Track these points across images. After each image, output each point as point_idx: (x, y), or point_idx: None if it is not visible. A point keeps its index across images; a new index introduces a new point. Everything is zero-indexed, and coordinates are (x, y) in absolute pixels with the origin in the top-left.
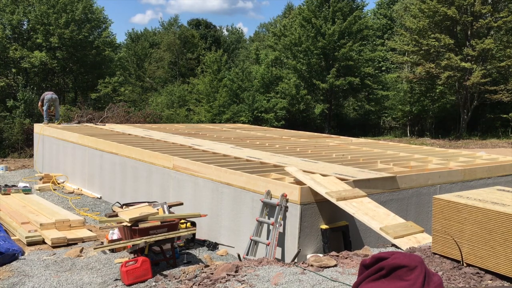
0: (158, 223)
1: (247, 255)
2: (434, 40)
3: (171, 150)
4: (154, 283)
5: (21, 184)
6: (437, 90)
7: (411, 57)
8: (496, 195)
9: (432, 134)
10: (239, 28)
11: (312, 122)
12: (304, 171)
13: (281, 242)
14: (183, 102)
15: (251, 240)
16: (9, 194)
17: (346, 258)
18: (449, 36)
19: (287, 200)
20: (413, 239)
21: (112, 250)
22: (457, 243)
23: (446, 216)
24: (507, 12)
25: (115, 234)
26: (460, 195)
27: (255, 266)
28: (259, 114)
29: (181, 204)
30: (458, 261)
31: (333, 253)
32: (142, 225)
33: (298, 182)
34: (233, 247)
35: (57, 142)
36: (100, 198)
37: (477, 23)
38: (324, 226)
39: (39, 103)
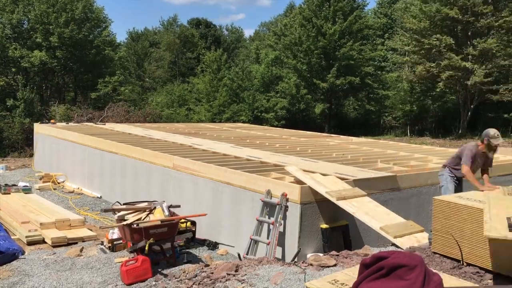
0: (158, 222)
1: (247, 254)
2: (435, 39)
3: (171, 149)
4: (154, 283)
5: (21, 184)
6: (438, 90)
7: (411, 57)
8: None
9: (432, 134)
10: (239, 28)
11: (312, 122)
12: (304, 170)
13: (281, 241)
14: (183, 101)
15: (251, 239)
16: (9, 193)
17: (346, 257)
18: (450, 36)
19: (287, 200)
20: (413, 239)
21: (112, 249)
22: (457, 242)
23: (446, 216)
24: (508, 11)
25: (115, 233)
26: (460, 196)
27: (255, 265)
28: (259, 114)
29: (179, 206)
30: (458, 261)
31: (333, 252)
32: (142, 225)
33: (298, 181)
34: (233, 247)
35: (57, 142)
36: (100, 197)
37: (478, 23)
38: (324, 226)
39: None
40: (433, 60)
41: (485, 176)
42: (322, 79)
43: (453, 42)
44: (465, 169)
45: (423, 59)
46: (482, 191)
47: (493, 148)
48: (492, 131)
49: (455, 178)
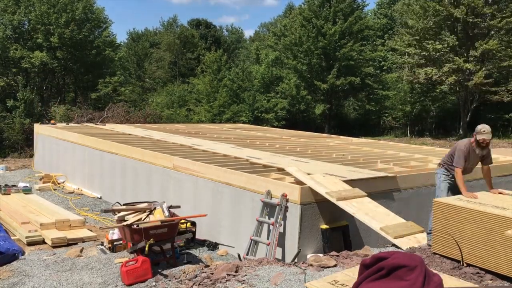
0: (158, 223)
1: (247, 255)
2: (437, 42)
3: (171, 150)
4: (154, 283)
5: (21, 184)
6: (438, 90)
7: (412, 57)
8: (495, 198)
9: (432, 134)
10: (239, 28)
11: (312, 122)
12: (304, 171)
13: (281, 242)
14: (183, 102)
15: (251, 240)
16: (9, 194)
17: (346, 258)
18: (452, 37)
19: (287, 200)
20: (413, 239)
21: (112, 250)
22: (458, 243)
23: (446, 217)
24: (509, 12)
25: (115, 234)
26: (460, 198)
27: (255, 266)
28: (259, 114)
29: (179, 207)
30: (458, 261)
31: (333, 253)
32: (142, 225)
33: (298, 182)
34: (233, 247)
35: (57, 142)
36: (100, 198)
37: (480, 24)
38: (324, 226)
39: None
40: (433, 64)
41: (487, 180)
42: (322, 80)
43: (457, 43)
44: (456, 171)
45: (424, 61)
46: (465, 195)
47: (480, 144)
48: (480, 126)
49: (450, 176)
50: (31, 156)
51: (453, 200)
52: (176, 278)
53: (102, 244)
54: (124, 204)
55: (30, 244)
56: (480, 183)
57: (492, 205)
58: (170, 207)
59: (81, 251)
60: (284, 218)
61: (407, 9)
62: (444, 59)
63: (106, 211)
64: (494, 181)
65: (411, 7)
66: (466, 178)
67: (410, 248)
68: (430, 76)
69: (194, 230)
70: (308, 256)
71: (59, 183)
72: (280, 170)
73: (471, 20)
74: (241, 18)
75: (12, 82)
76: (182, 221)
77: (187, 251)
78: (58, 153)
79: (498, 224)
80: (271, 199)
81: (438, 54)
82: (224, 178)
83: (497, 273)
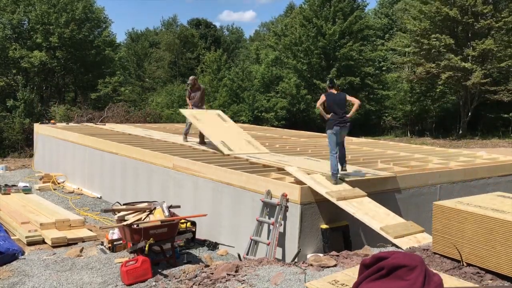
0: (158, 223)
1: (247, 255)
2: (435, 40)
3: (171, 150)
4: (154, 283)
5: (21, 184)
6: (438, 90)
7: (411, 57)
8: (496, 201)
9: (432, 134)
10: (239, 28)
11: (312, 122)
12: (305, 170)
13: (281, 242)
14: (183, 102)
15: (251, 240)
16: (9, 194)
17: (346, 258)
18: (450, 37)
19: (287, 200)
20: (413, 239)
21: (112, 250)
22: (457, 245)
23: (447, 217)
24: (507, 12)
25: (115, 234)
26: (460, 201)
27: (255, 266)
28: (259, 114)
29: (179, 207)
30: (458, 261)
31: (333, 253)
32: (142, 225)
33: (298, 181)
34: (233, 247)
35: (57, 142)
36: (100, 197)
37: (478, 23)
38: (324, 226)
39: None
40: (433, 61)
41: None
42: (322, 80)
43: (453, 42)
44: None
45: (423, 60)
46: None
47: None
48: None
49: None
50: (31, 156)
51: (453, 203)
52: (176, 278)
53: (102, 244)
54: (124, 204)
55: (30, 244)
56: (480, 183)
57: (492, 209)
58: (170, 207)
59: (81, 251)
60: (284, 218)
61: (405, 13)
62: (441, 58)
63: (106, 211)
64: (494, 181)
65: (408, 11)
66: (466, 177)
67: (410, 248)
68: (429, 70)
69: (194, 230)
70: (308, 256)
71: (59, 183)
72: (280, 169)
73: (470, 21)
74: (261, 13)
75: (12, 82)
76: (182, 221)
77: (187, 251)
78: (58, 153)
79: (499, 226)
80: (271, 199)
81: (433, 50)
82: (224, 178)
83: (498, 273)
